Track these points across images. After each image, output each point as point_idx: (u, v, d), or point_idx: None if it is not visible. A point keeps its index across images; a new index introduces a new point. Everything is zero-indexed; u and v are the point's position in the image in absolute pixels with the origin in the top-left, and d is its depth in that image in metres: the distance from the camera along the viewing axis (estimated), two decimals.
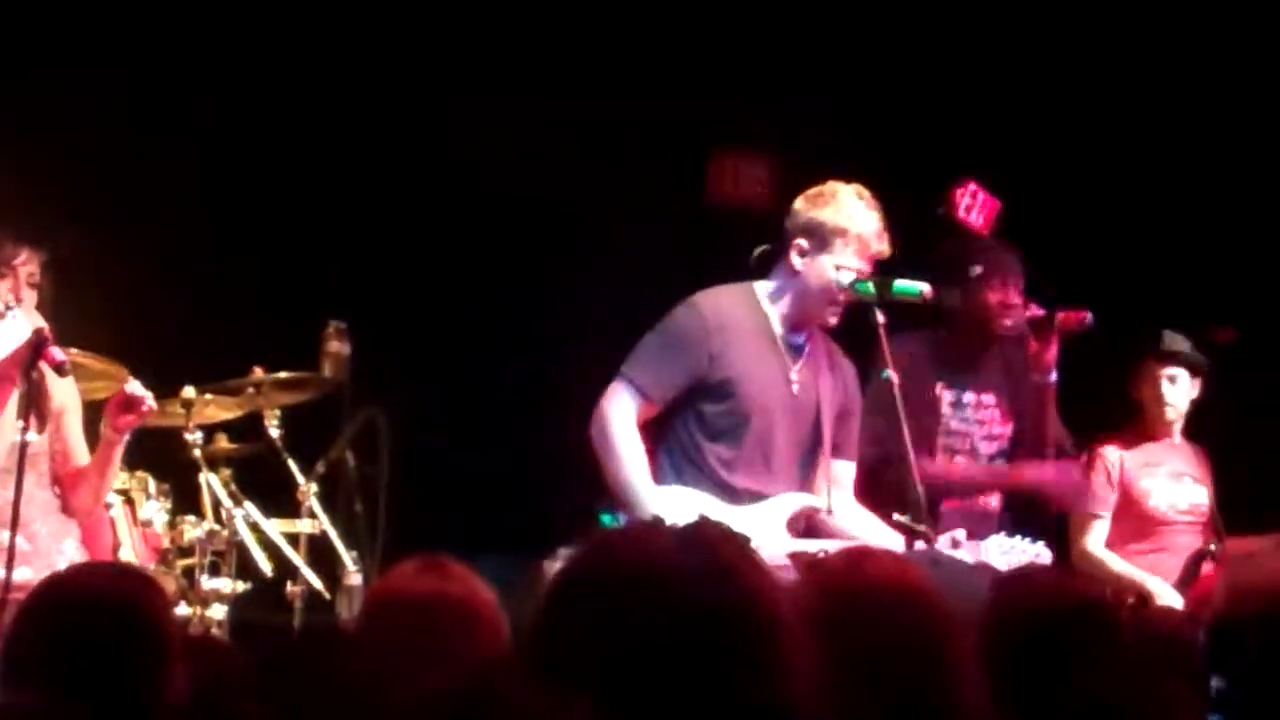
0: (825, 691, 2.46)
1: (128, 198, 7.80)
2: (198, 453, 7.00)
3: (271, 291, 8.06)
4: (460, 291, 8.40)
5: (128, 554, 6.77)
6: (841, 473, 6.22)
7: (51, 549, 5.92)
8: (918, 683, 2.96)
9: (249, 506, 7.05)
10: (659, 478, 6.06)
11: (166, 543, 6.97)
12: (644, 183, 8.51)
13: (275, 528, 7.04)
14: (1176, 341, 7.47)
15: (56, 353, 5.82)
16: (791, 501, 6.10)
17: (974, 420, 6.98)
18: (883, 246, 6.13)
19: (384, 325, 7.84)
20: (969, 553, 5.94)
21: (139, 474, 7.04)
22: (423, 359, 8.22)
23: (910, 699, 2.94)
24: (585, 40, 8.56)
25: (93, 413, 6.58)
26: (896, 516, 6.01)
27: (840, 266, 6.07)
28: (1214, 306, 8.03)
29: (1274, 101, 8.52)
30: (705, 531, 2.51)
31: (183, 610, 6.81)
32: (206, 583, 6.94)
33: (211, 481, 7.06)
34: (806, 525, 6.11)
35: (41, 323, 5.87)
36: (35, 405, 5.92)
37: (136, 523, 6.92)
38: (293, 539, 7.07)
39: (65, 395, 6.07)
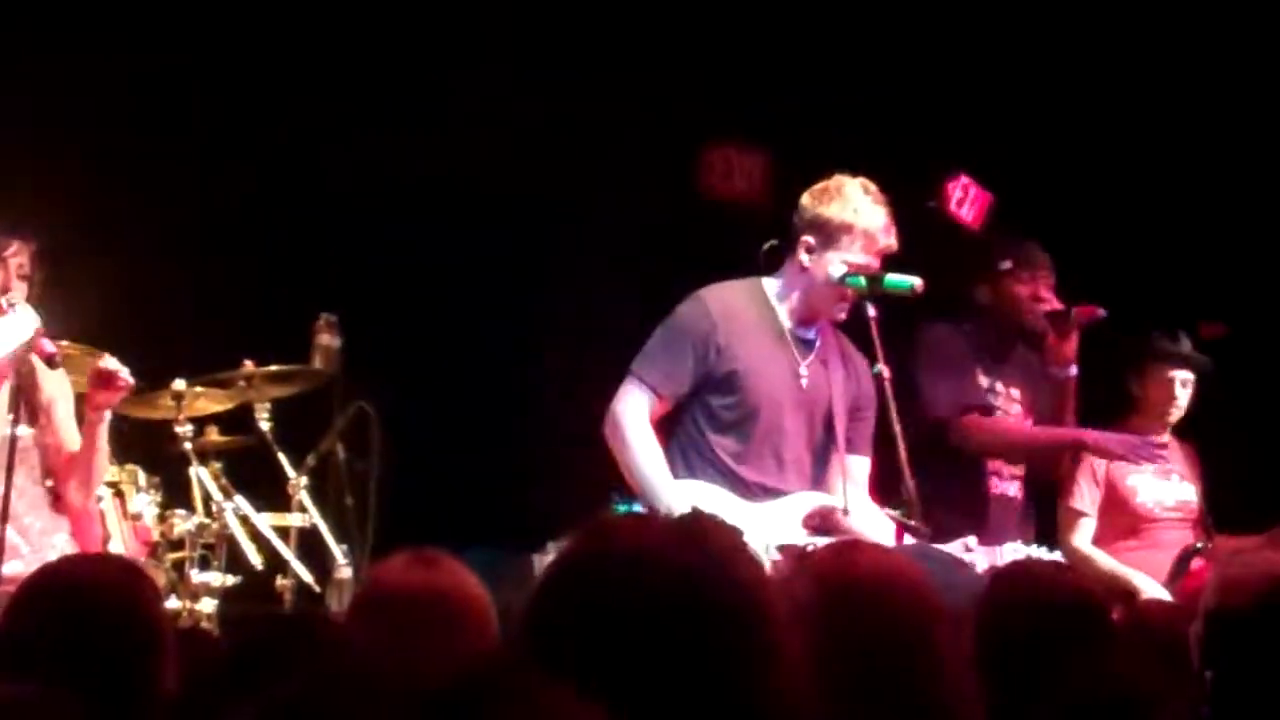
0: (815, 682, 2.46)
1: (119, 190, 7.78)
2: (188, 446, 7.00)
3: (262, 284, 8.05)
4: (451, 285, 8.39)
5: (118, 547, 6.75)
6: (856, 468, 6.21)
7: (43, 543, 5.91)
8: (906, 674, 2.96)
9: (239, 500, 7.05)
10: (670, 471, 6.07)
11: (156, 536, 6.96)
12: (637, 177, 8.50)
13: (265, 521, 7.04)
14: (1188, 345, 7.51)
15: (47, 345, 5.81)
16: (808, 499, 6.10)
17: (1004, 410, 7.02)
18: (890, 241, 6.12)
19: (375, 318, 7.83)
20: (985, 557, 5.94)
21: (129, 467, 7.02)
22: (413, 352, 8.21)
23: (899, 690, 2.94)
24: (580, 35, 8.54)
25: (83, 404, 6.60)
26: (888, 511, 6.03)
27: (849, 264, 6.06)
28: (1200, 302, 8.04)
29: (1260, 97, 8.52)
30: (697, 523, 2.51)
31: (173, 603, 6.80)
32: (196, 576, 6.93)
33: (202, 475, 7.06)
34: (822, 523, 6.10)
35: (33, 315, 5.85)
36: (26, 399, 5.90)
37: (126, 516, 6.91)
38: (283, 532, 7.07)
39: (55, 387, 6.05)
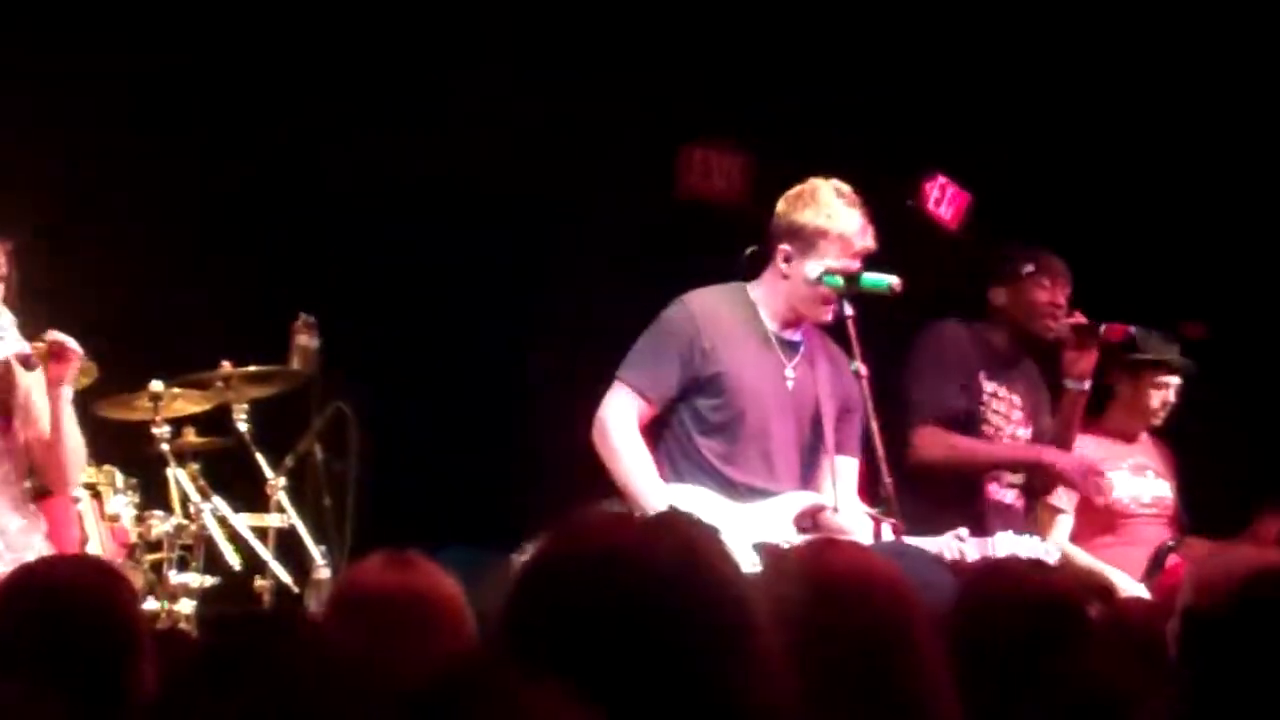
0: (792, 681, 2.46)
1: (97, 191, 7.76)
2: (165, 447, 6.99)
3: (240, 285, 8.03)
4: (429, 285, 8.38)
5: (95, 549, 6.74)
6: (844, 469, 6.22)
7: (20, 543, 5.89)
8: (882, 673, 2.96)
9: (217, 501, 7.03)
10: (660, 475, 6.09)
11: (134, 537, 6.94)
12: (623, 179, 8.50)
13: (243, 522, 7.02)
14: (1176, 348, 7.55)
15: (24, 348, 5.78)
16: (798, 499, 6.12)
17: (1005, 415, 7.02)
18: (867, 242, 6.15)
19: (353, 319, 7.82)
20: (976, 548, 5.96)
21: (106, 468, 7.01)
22: (392, 353, 8.20)
23: (875, 689, 2.93)
24: (560, 36, 8.54)
25: None
26: (866, 509, 6.04)
27: (829, 268, 6.08)
28: (1181, 301, 8.06)
29: (1236, 96, 8.54)
30: (672, 521, 2.51)
31: (151, 605, 6.79)
32: (174, 577, 6.92)
33: (179, 476, 7.04)
34: (813, 523, 6.11)
35: (9, 318, 5.82)
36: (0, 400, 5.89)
37: (104, 517, 6.90)
38: (261, 533, 7.05)
39: (30, 382, 6.01)
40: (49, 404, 5.92)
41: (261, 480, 7.09)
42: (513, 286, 8.48)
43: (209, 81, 8.13)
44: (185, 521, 6.99)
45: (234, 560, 6.95)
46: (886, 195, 6.80)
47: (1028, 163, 8.59)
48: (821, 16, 8.66)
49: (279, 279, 8.00)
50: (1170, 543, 7.40)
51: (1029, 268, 6.97)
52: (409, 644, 3.34)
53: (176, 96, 8.10)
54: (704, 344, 6.11)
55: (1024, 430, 7.08)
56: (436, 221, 8.36)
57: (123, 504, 6.97)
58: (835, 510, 6.08)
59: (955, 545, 5.98)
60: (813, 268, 6.11)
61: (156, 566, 6.98)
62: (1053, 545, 6.64)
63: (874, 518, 5.97)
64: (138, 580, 6.74)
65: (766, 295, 6.24)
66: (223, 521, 6.99)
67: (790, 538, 5.94)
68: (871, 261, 6.18)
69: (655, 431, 6.17)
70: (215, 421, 7.28)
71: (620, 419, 6.09)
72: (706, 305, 6.21)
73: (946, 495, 6.70)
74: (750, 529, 5.90)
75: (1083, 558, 7.36)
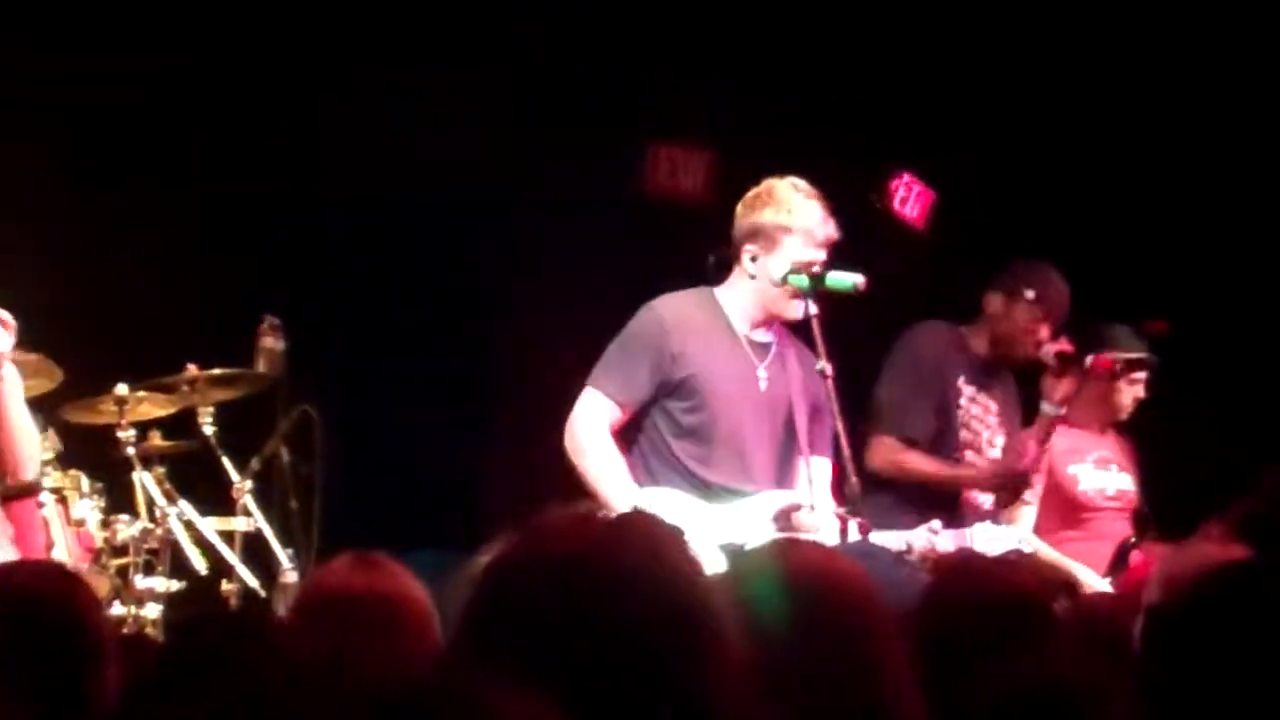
0: (753, 681, 2.46)
1: (59, 194, 7.73)
2: (131, 451, 6.97)
3: (205, 287, 8.00)
4: (395, 286, 8.37)
5: (61, 554, 6.71)
6: (817, 470, 6.23)
7: None
8: (844, 673, 2.96)
9: (183, 504, 7.01)
10: (634, 479, 6.10)
11: (100, 542, 6.91)
12: (582, 176, 8.49)
13: (210, 525, 7.00)
14: (1142, 345, 7.57)
15: None
16: (774, 499, 6.13)
17: (982, 420, 7.03)
18: (829, 230, 6.19)
19: (319, 321, 7.81)
20: (952, 540, 5.98)
21: (72, 473, 6.98)
22: (358, 355, 8.18)
23: (837, 689, 2.93)
24: (527, 34, 8.53)
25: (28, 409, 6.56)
26: (835, 509, 6.05)
27: (794, 262, 6.10)
28: (1145, 298, 8.08)
29: (1201, 96, 8.57)
30: (634, 523, 2.50)
31: (117, 609, 6.77)
32: (141, 582, 6.90)
33: (145, 480, 7.02)
34: (787, 522, 6.12)
35: None
36: None
37: (70, 522, 6.86)
38: (228, 537, 7.03)
39: None
40: None
41: (227, 483, 7.07)
42: (480, 288, 8.46)
43: (173, 85, 8.10)
44: (151, 525, 6.97)
45: (200, 564, 6.94)
46: (852, 194, 6.80)
47: (992, 161, 8.60)
48: (789, 16, 8.66)
49: (244, 281, 7.98)
50: (1133, 538, 7.42)
51: (1031, 293, 6.96)
52: (375, 646, 3.33)
53: (140, 100, 8.08)
54: (674, 348, 6.14)
55: (1000, 437, 7.09)
56: (403, 222, 8.34)
57: (88, 508, 6.93)
58: (811, 509, 6.10)
59: (928, 537, 6.00)
60: (778, 266, 6.13)
61: (122, 571, 6.95)
62: (1029, 532, 6.67)
63: (840, 517, 5.98)
64: (104, 585, 6.72)
65: (735, 297, 6.27)
66: (189, 525, 6.98)
67: (767, 537, 5.96)
68: (837, 261, 6.20)
69: (629, 436, 6.20)
70: (181, 425, 7.26)
71: (592, 425, 6.11)
72: (675, 309, 6.24)
73: (921, 493, 6.72)
74: (726, 530, 5.91)
75: (1047, 552, 7.37)
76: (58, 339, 6.92)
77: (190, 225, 8.04)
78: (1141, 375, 7.63)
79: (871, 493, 6.18)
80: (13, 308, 6.23)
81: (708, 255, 6.37)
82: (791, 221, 6.15)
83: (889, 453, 6.78)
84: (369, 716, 2.20)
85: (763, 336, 6.27)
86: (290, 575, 6.81)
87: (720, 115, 8.62)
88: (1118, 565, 7.37)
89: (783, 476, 6.23)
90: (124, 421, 6.95)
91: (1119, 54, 8.61)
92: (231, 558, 6.97)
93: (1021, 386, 7.21)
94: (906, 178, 8.20)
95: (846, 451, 6.01)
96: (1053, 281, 7.03)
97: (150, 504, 7.01)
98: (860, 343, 6.83)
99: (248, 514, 7.03)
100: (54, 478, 6.80)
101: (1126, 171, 8.73)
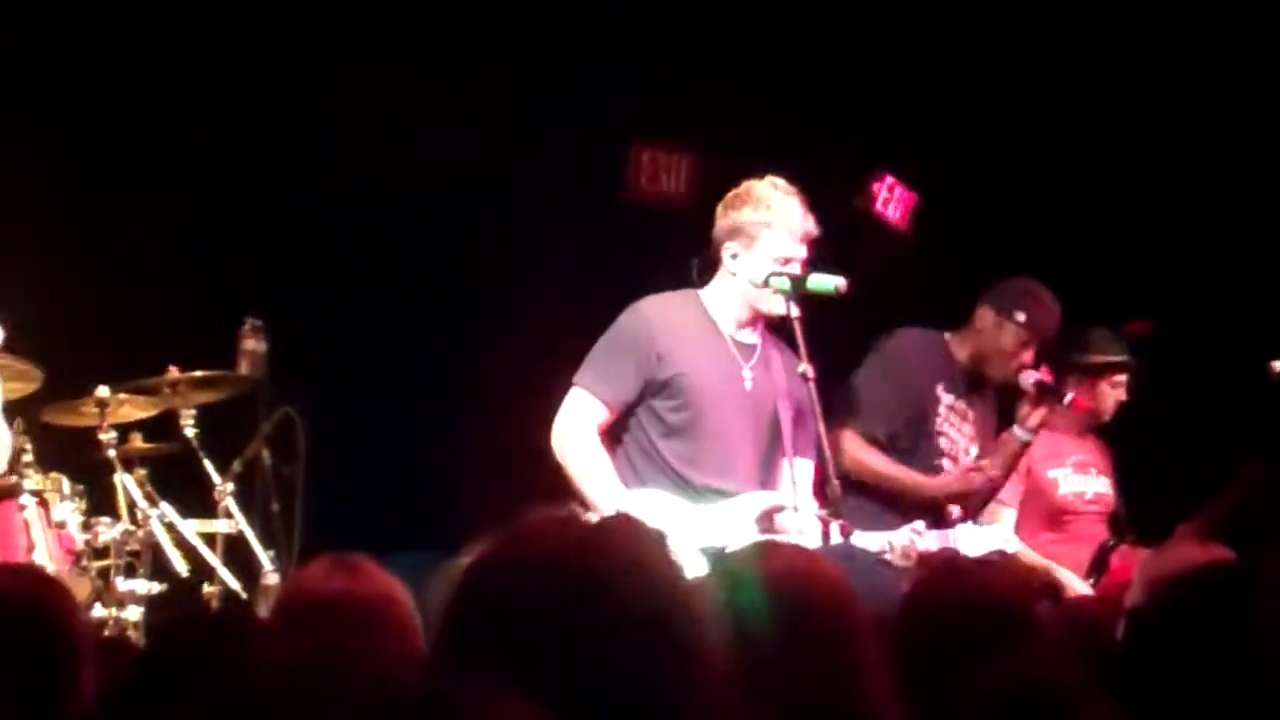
0: (732, 684, 2.46)
1: (40, 196, 7.71)
2: (112, 453, 6.95)
3: (187, 289, 7.99)
4: (377, 289, 8.36)
5: (42, 556, 6.68)
6: (800, 472, 6.24)
7: None
8: (822, 677, 2.96)
9: (165, 507, 6.99)
10: (620, 479, 6.11)
11: (81, 544, 6.88)
12: (564, 178, 8.49)
13: (191, 528, 6.99)
14: (1125, 347, 7.58)
15: None
16: (759, 499, 6.13)
17: (958, 429, 7.00)
18: (809, 227, 6.22)
19: (300, 323, 7.79)
20: (936, 541, 5.98)
21: (53, 475, 6.95)
22: (339, 357, 8.18)
23: (815, 693, 2.93)
24: (507, 34, 8.53)
25: (7, 411, 6.55)
26: (817, 511, 6.06)
27: (777, 259, 6.10)
28: (1127, 299, 8.10)
29: (1182, 99, 8.58)
30: (615, 526, 2.50)
31: (98, 612, 6.75)
32: (122, 584, 6.88)
33: (126, 482, 7.00)
34: (770, 524, 6.12)
35: None
36: None
37: (50, 524, 6.83)
38: (209, 539, 7.01)
39: None
40: None
41: (209, 486, 7.06)
42: (461, 289, 8.46)
43: (167, 85, 8.09)
44: (132, 528, 6.95)
45: (181, 566, 6.92)
46: (835, 197, 6.81)
47: (974, 163, 8.61)
48: (771, 18, 8.67)
49: (226, 283, 7.97)
50: (1111, 541, 7.44)
51: (1022, 316, 6.93)
52: (356, 648, 3.33)
53: (123, 102, 8.06)
54: (660, 347, 6.15)
55: (975, 446, 7.07)
56: (384, 224, 8.34)
57: (69, 510, 6.91)
58: (795, 510, 6.10)
59: (912, 538, 6.01)
60: (759, 263, 6.14)
61: (104, 573, 6.93)
62: (1010, 533, 6.66)
63: (823, 519, 5.98)
64: (85, 587, 6.70)
65: (719, 298, 6.29)
66: (170, 527, 6.96)
67: (750, 538, 5.96)
68: (819, 262, 6.21)
69: (615, 435, 6.20)
70: (162, 427, 7.24)
71: (578, 425, 6.12)
72: (661, 310, 6.26)
73: (909, 501, 6.72)
74: (711, 530, 5.92)
75: (1027, 555, 7.38)
76: (39, 341, 6.91)
77: (172, 227, 8.03)
78: (1122, 378, 7.64)
79: (853, 495, 6.19)
80: None
81: (692, 249, 6.37)
82: (770, 217, 6.17)
83: (849, 446, 6.77)
84: (355, 718, 2.20)
85: (748, 337, 6.29)
86: (272, 577, 6.80)
87: (704, 117, 8.63)
88: (1097, 568, 7.38)
89: (766, 477, 6.24)
90: (105, 424, 6.93)
91: (1101, 54, 8.62)
92: (213, 560, 6.96)
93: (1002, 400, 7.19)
94: (889, 180, 8.21)
95: (828, 453, 6.02)
96: (1046, 306, 7.00)
97: (131, 506, 6.99)
98: (842, 345, 6.84)
99: (229, 516, 7.02)
100: (35, 480, 6.77)
101: (1108, 173, 8.74)
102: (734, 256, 6.22)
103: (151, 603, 6.90)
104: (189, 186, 8.11)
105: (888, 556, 5.99)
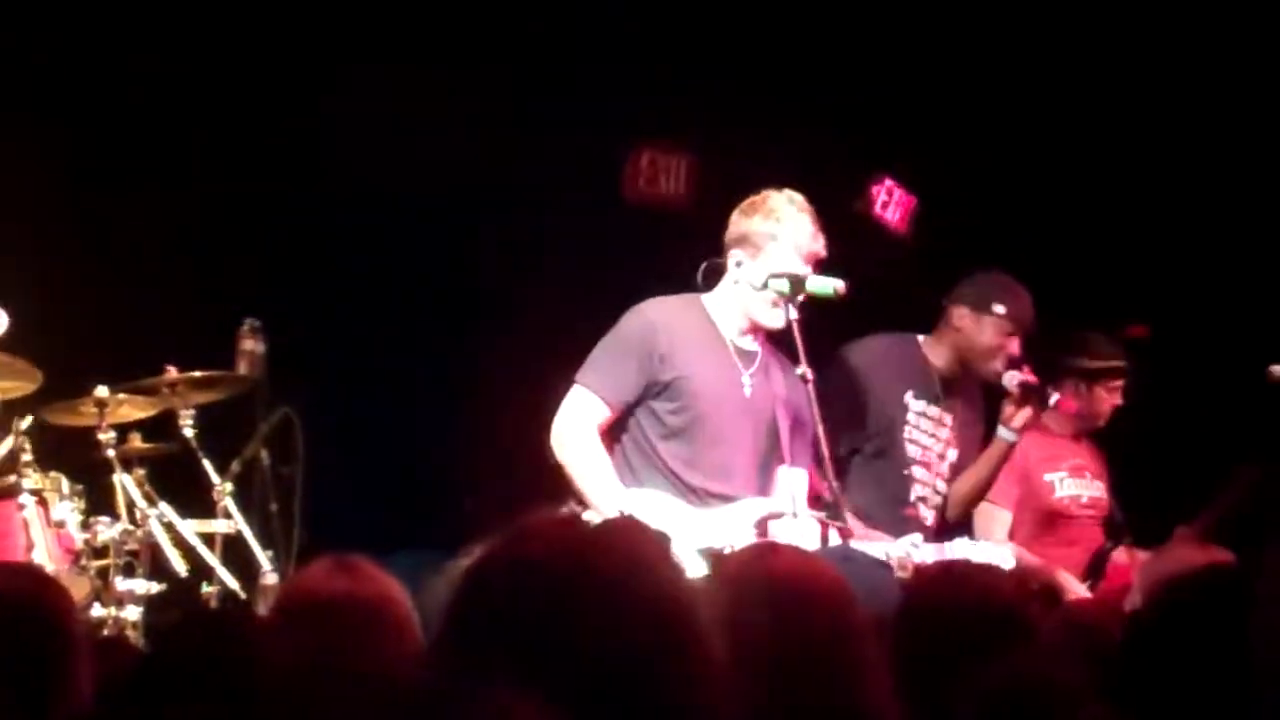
0: (734, 686, 2.46)
1: (40, 196, 7.72)
2: (111, 453, 6.95)
3: (186, 289, 8.00)
4: (376, 289, 8.37)
5: (41, 555, 6.69)
6: (796, 481, 6.25)
7: None
8: (822, 679, 2.96)
9: (164, 506, 6.99)
10: (619, 480, 6.11)
11: (80, 544, 6.88)
12: (565, 178, 8.49)
13: (190, 528, 6.99)
14: (1119, 351, 7.58)
15: None
16: (757, 506, 6.13)
17: (932, 434, 6.96)
18: (817, 247, 6.23)
19: (299, 323, 7.80)
20: (932, 554, 5.96)
21: (52, 475, 6.96)
22: (338, 357, 8.18)
23: (815, 694, 2.93)
24: (508, 35, 8.53)
25: (6, 411, 6.55)
26: (814, 513, 6.06)
27: (775, 272, 6.11)
28: (1124, 303, 8.11)
29: (1179, 103, 8.59)
30: (617, 527, 2.50)
31: (97, 611, 6.75)
32: (121, 584, 6.87)
33: (125, 482, 6.99)
34: (767, 531, 6.12)
35: None
36: None
37: (50, 524, 6.84)
38: (208, 539, 7.01)
39: None
40: None
41: (208, 486, 7.06)
42: (460, 290, 8.46)
43: (154, 86, 8.09)
44: (131, 527, 6.94)
45: (180, 566, 6.91)
46: (834, 199, 6.81)
47: (974, 166, 8.61)
48: (771, 19, 8.67)
49: (225, 284, 7.97)
50: (1107, 545, 7.44)
51: (1000, 308, 6.89)
52: (354, 649, 3.33)
53: (123, 102, 8.07)
54: (662, 349, 6.16)
55: (953, 450, 7.01)
56: (384, 224, 8.34)
57: (68, 510, 6.91)
58: (795, 517, 6.11)
59: (909, 550, 6.00)
60: (760, 272, 6.16)
61: (103, 573, 6.93)
62: (1008, 550, 6.65)
63: (821, 522, 5.99)
64: (84, 587, 6.71)
65: (722, 304, 6.30)
66: (169, 527, 6.96)
67: (738, 542, 5.96)
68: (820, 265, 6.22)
69: (614, 436, 6.21)
70: (161, 427, 7.24)
71: (579, 423, 6.12)
72: (664, 312, 6.26)
73: (875, 510, 6.70)
74: (709, 534, 5.92)
75: (1025, 558, 7.38)
76: (38, 341, 6.92)
77: (171, 227, 8.03)
78: (1118, 383, 7.64)
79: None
80: None
81: (699, 261, 6.38)
82: (779, 230, 6.18)
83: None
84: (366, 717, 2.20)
85: (749, 344, 6.30)
86: (270, 577, 6.80)
87: (703, 119, 8.63)
88: (1094, 572, 7.39)
89: (764, 483, 6.25)
90: (104, 424, 6.93)
91: (1102, 57, 8.62)
92: (212, 560, 6.95)
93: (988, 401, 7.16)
94: (888, 182, 8.21)
95: (827, 456, 6.02)
96: (1021, 295, 6.96)
97: (130, 506, 6.99)
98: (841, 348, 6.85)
99: (228, 516, 7.02)
100: (34, 479, 6.78)
101: (1106, 176, 8.74)
102: (739, 264, 6.23)
103: (150, 602, 6.90)
104: (189, 187, 8.11)
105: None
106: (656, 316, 6.23)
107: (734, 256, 6.25)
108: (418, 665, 2.60)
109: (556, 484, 6.14)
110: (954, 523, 7.10)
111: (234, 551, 7.02)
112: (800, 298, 6.12)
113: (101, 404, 6.92)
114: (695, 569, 5.42)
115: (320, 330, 8.14)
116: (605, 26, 8.53)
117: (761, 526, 6.08)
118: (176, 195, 8.06)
